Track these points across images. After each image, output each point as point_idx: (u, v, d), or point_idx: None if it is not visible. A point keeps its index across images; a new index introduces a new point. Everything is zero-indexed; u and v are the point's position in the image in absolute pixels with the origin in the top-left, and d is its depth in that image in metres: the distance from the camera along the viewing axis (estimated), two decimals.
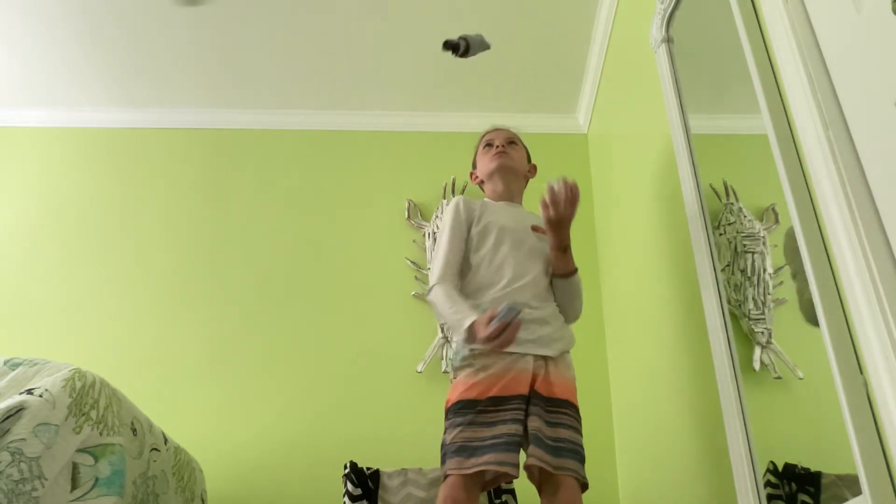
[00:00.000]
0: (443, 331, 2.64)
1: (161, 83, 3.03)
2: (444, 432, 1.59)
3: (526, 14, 2.70)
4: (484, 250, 1.77)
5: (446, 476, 1.52)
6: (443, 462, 1.55)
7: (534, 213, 1.92)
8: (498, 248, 1.77)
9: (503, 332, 1.49)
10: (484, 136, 2.02)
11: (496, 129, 2.02)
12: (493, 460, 1.48)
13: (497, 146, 1.94)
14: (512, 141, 1.98)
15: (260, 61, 2.93)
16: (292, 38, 2.82)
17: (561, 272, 1.77)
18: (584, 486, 1.54)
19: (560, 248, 1.74)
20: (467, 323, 1.57)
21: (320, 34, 2.80)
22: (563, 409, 1.59)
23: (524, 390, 1.58)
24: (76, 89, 3.07)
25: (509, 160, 1.93)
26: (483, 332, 1.51)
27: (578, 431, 1.59)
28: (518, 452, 1.51)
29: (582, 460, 1.55)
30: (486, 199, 1.93)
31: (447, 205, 2.85)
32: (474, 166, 2.03)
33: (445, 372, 2.58)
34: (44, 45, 2.85)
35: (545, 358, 1.64)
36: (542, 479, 1.54)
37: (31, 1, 2.66)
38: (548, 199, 1.68)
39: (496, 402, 1.56)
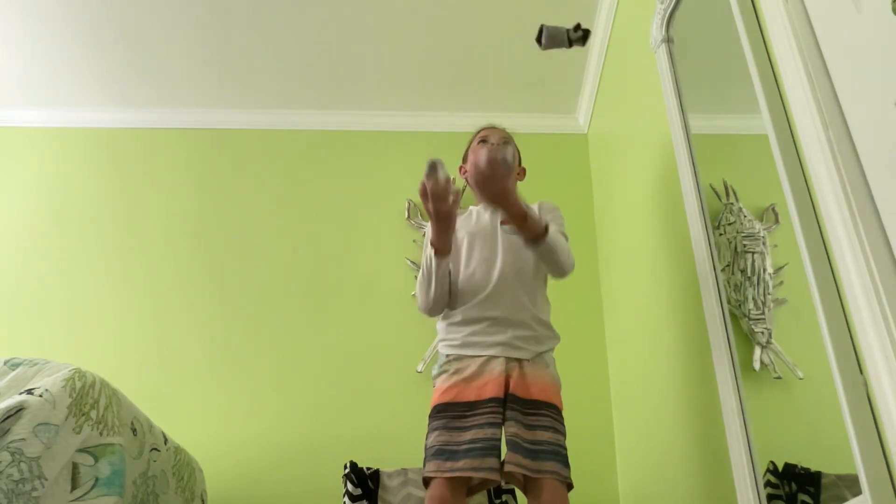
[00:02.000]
0: None
1: (161, 83, 3.03)
2: (426, 436, 1.60)
3: (526, 14, 2.70)
4: (461, 264, 1.78)
5: (427, 478, 1.53)
6: (424, 465, 1.57)
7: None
8: (470, 257, 1.77)
9: (430, 192, 1.61)
10: (478, 132, 2.01)
11: (492, 128, 2.01)
12: (468, 466, 1.48)
13: (492, 143, 1.93)
14: (506, 141, 1.98)
15: (260, 61, 2.93)
16: (292, 38, 2.82)
17: (528, 239, 1.65)
18: (569, 486, 1.53)
19: (515, 219, 1.62)
20: (427, 243, 1.66)
21: (320, 34, 2.80)
22: (542, 411, 1.58)
23: (499, 393, 1.57)
24: (76, 89, 3.07)
25: None
26: (425, 206, 1.63)
27: (560, 432, 1.58)
28: (496, 457, 1.51)
29: (564, 461, 1.54)
30: (469, 208, 1.93)
31: None
32: (465, 161, 2.02)
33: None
34: (44, 45, 2.85)
35: (518, 359, 1.64)
36: (526, 483, 1.54)
37: (31, 1, 2.66)
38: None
39: (472, 406, 1.57)
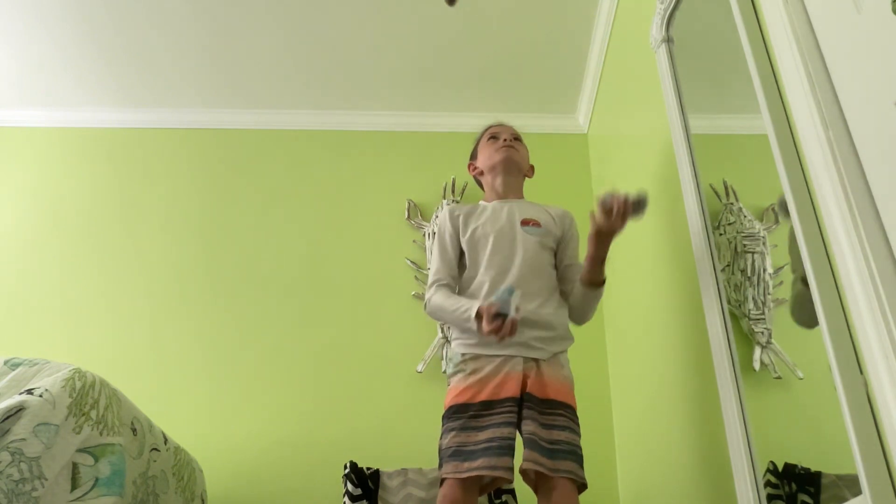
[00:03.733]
0: (443, 331, 2.64)
1: (161, 83, 3.03)
2: (441, 437, 1.60)
3: (526, 14, 2.70)
4: (474, 260, 1.78)
5: (443, 479, 1.53)
6: (440, 466, 1.56)
7: (534, 203, 1.91)
8: (492, 256, 1.76)
9: (502, 328, 1.51)
10: (488, 128, 2.00)
11: (501, 124, 2.01)
12: (485, 465, 1.48)
13: (504, 139, 1.93)
14: (517, 137, 1.98)
15: (259, 61, 2.93)
16: (292, 38, 2.82)
17: (592, 282, 1.73)
18: (582, 487, 1.53)
19: (598, 259, 1.70)
20: (474, 311, 1.59)
21: (320, 34, 2.80)
22: (559, 411, 1.58)
23: (515, 393, 1.57)
24: (76, 89, 3.07)
25: (515, 153, 1.92)
26: (486, 326, 1.53)
27: (575, 432, 1.58)
28: (511, 456, 1.51)
29: (579, 461, 1.54)
30: (479, 203, 1.92)
31: (446, 206, 2.87)
32: (473, 157, 2.01)
33: (444, 372, 2.58)
34: (44, 45, 2.85)
35: (536, 359, 1.64)
36: (538, 482, 1.53)
37: (31, 1, 2.66)
38: (598, 210, 1.64)
39: (488, 406, 1.56)
